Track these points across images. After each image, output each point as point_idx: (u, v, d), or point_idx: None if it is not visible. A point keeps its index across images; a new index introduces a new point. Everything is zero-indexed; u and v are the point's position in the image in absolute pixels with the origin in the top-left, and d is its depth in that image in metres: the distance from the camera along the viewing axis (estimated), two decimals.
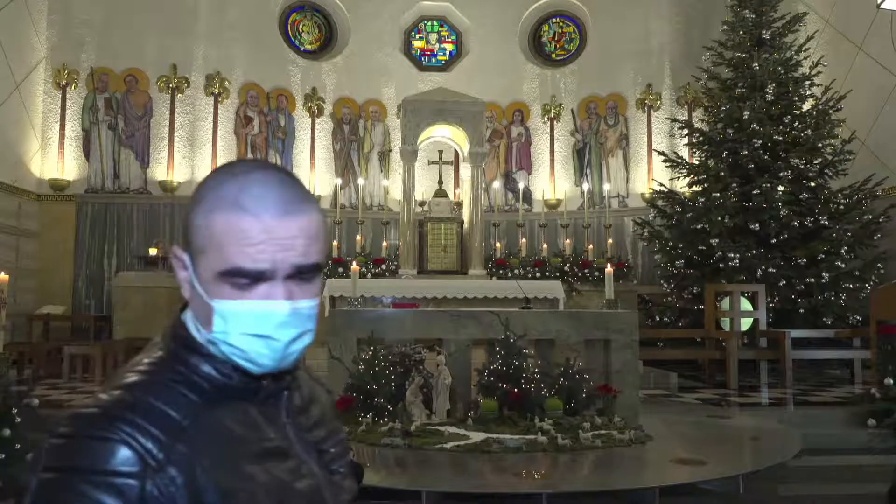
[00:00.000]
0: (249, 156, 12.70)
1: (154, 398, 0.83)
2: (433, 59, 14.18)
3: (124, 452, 0.78)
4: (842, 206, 9.41)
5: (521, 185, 12.29)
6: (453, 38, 14.21)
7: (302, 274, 0.87)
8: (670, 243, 10.11)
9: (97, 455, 0.77)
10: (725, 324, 8.75)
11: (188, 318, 0.93)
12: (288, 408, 0.95)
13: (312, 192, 0.83)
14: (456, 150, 10.90)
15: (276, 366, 0.88)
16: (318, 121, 13.29)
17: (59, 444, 0.79)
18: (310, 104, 13.22)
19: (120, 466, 0.77)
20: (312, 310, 0.88)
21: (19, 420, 4.81)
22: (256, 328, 0.85)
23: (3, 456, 4.57)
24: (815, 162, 9.56)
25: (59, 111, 11.68)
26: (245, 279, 0.84)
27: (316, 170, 13.14)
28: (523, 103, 13.77)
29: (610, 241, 11.04)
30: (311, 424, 0.98)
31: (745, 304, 8.70)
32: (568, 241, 11.26)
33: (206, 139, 12.30)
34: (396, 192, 11.50)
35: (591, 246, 11.03)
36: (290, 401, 0.96)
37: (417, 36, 14.19)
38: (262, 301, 0.85)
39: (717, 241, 9.27)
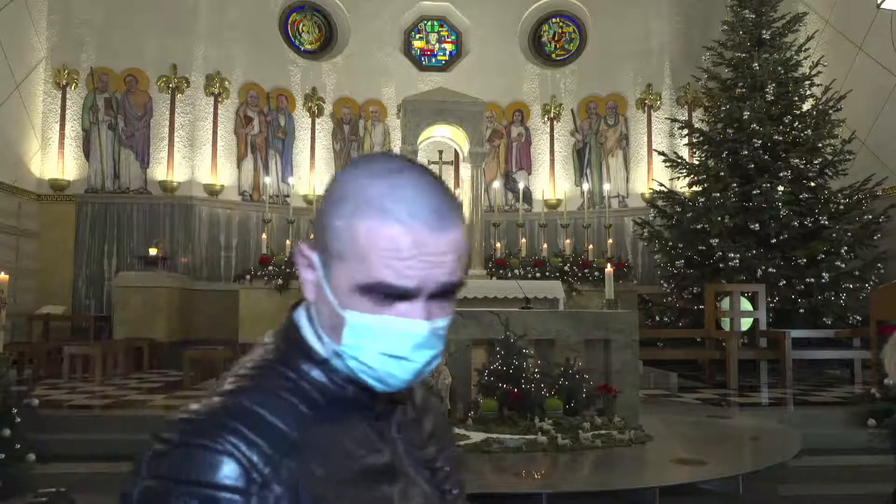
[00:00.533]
0: (250, 156, 12.71)
1: (262, 407, 0.77)
2: (433, 59, 14.18)
3: (229, 465, 0.72)
4: (842, 206, 9.41)
5: (521, 185, 12.29)
6: (453, 38, 14.21)
7: (444, 293, 0.79)
8: (670, 243, 10.11)
9: (201, 466, 0.72)
10: (725, 324, 8.75)
11: (302, 318, 0.86)
12: (399, 422, 0.88)
13: (456, 199, 0.79)
14: (456, 150, 10.90)
15: (405, 387, 0.81)
16: (318, 121, 13.29)
17: (162, 451, 0.74)
18: (310, 104, 13.23)
19: (223, 480, 0.72)
20: (446, 329, 0.81)
21: (19, 420, 4.82)
22: (392, 348, 0.78)
23: (3, 456, 4.57)
24: (815, 162, 9.56)
25: (59, 111, 11.68)
26: (387, 296, 0.76)
27: (316, 170, 13.14)
28: (523, 103, 13.78)
29: (610, 241, 11.04)
30: (423, 440, 0.91)
31: (745, 304, 8.70)
32: (568, 241, 11.26)
33: (206, 139, 12.30)
34: None
35: (591, 246, 11.03)
36: (403, 414, 0.89)
37: (417, 36, 14.19)
38: (401, 320, 0.77)
39: (717, 241, 9.27)
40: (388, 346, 0.78)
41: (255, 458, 0.73)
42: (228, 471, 0.72)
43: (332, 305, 0.80)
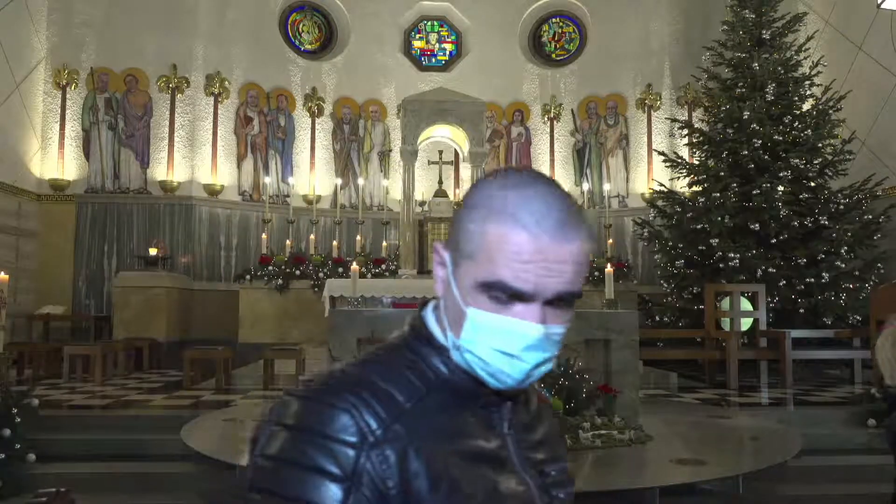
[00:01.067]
0: (250, 156, 12.71)
1: (382, 379, 0.86)
2: (433, 59, 14.18)
3: (346, 421, 0.81)
4: (842, 206, 9.40)
5: None
6: (453, 38, 14.22)
7: (561, 301, 0.84)
8: (670, 243, 10.10)
9: (322, 419, 0.81)
10: (725, 324, 8.74)
11: (429, 314, 0.94)
12: (511, 420, 0.93)
13: (581, 214, 0.84)
14: (456, 150, 10.90)
15: (516, 385, 0.87)
16: (318, 121, 13.29)
17: (291, 404, 0.84)
18: (310, 104, 13.23)
19: (339, 434, 0.80)
20: (560, 335, 0.87)
21: (19, 420, 4.82)
22: (505, 346, 0.84)
23: (3, 456, 4.57)
24: (815, 162, 9.56)
25: (59, 111, 11.68)
26: (504, 295, 0.83)
27: (316, 170, 13.14)
28: (523, 103, 13.78)
29: (610, 241, 11.04)
30: (533, 443, 0.96)
31: (745, 304, 8.69)
32: None
33: (206, 139, 12.30)
34: (396, 192, 11.51)
35: None
36: (515, 414, 0.94)
37: (417, 36, 14.19)
38: (516, 321, 0.83)
39: (717, 241, 9.26)
40: (501, 343, 0.84)
41: (370, 420, 0.82)
42: (344, 426, 0.81)
43: (456, 300, 0.87)
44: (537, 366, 0.85)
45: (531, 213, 0.82)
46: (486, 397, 0.90)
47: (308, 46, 13.57)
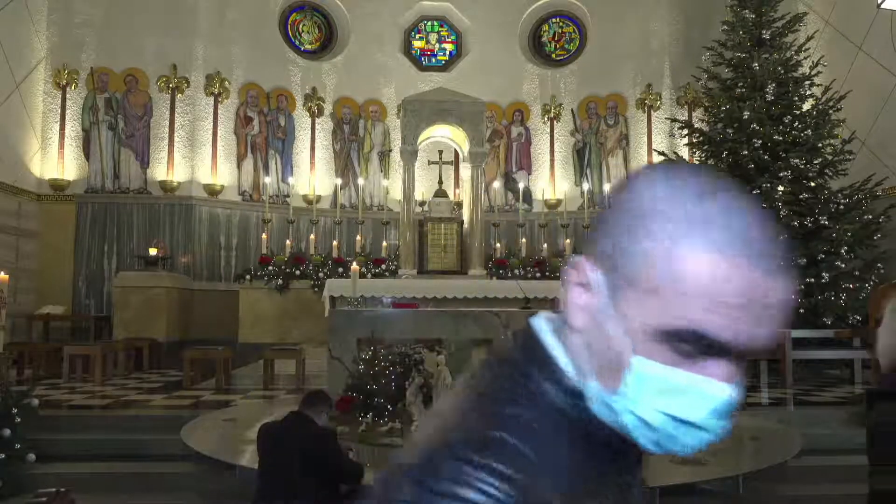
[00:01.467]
0: (250, 156, 12.70)
1: (520, 439, 0.62)
2: (433, 59, 14.18)
3: None
4: (842, 206, 9.40)
5: (520, 185, 12.29)
6: (453, 38, 14.22)
7: (750, 353, 0.64)
8: None
9: None
10: None
11: (548, 338, 0.71)
12: (640, 479, 0.75)
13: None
14: (456, 150, 10.90)
15: (684, 454, 0.65)
16: (318, 121, 13.29)
17: (417, 490, 0.60)
18: (310, 104, 13.23)
19: None
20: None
21: (19, 420, 4.82)
22: (683, 411, 0.62)
23: (3, 456, 4.58)
24: (815, 162, 9.55)
25: (59, 111, 11.68)
26: (697, 347, 0.61)
27: (316, 170, 13.14)
28: (523, 103, 13.78)
29: None
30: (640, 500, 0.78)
31: None
32: (568, 241, 11.26)
33: (206, 139, 12.30)
34: (396, 192, 11.50)
35: None
36: (642, 472, 0.76)
37: (417, 36, 14.19)
38: (705, 379, 0.62)
39: None
40: (678, 407, 0.62)
41: None
42: None
43: (613, 343, 0.64)
44: (721, 435, 0.64)
45: (734, 235, 0.60)
46: (634, 456, 0.71)
47: (308, 46, 13.57)
